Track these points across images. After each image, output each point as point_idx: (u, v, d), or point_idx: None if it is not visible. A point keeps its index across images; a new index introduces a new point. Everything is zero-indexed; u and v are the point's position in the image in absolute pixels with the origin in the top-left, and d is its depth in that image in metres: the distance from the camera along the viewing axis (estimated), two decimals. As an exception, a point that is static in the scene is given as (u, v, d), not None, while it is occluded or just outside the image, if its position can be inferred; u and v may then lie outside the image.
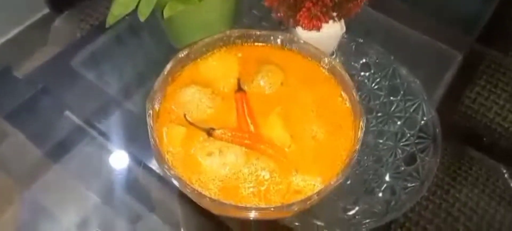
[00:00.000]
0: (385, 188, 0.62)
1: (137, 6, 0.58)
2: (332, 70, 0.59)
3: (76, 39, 0.79)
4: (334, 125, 0.55)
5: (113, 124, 0.69)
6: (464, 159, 0.73)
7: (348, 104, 0.57)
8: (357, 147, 0.52)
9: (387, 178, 0.63)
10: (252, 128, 0.53)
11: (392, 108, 0.69)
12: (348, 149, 0.53)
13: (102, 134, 0.67)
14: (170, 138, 0.53)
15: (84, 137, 0.67)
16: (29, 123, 0.65)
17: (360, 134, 0.53)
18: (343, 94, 0.58)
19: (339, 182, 0.51)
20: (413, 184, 0.61)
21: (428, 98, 0.68)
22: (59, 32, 0.84)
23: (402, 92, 0.70)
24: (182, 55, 0.57)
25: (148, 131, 0.51)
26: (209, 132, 0.52)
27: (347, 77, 0.58)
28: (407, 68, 0.71)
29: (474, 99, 0.78)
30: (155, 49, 0.76)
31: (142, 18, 0.58)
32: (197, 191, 0.50)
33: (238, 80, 0.58)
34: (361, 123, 0.54)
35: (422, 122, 0.67)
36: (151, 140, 0.51)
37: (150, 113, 0.52)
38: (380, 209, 0.59)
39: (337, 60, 0.61)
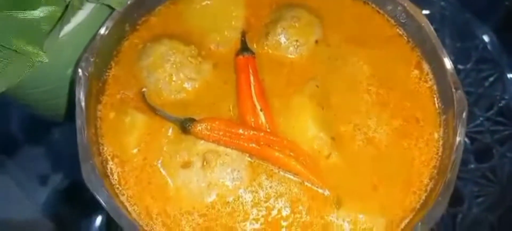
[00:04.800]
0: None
1: None
2: (405, 22, 0.41)
3: None
4: (408, 119, 0.38)
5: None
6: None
7: (431, 82, 0.39)
8: (453, 159, 0.33)
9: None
10: (263, 119, 0.37)
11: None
12: (432, 164, 0.36)
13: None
14: (119, 132, 0.37)
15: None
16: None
17: (459, 137, 0.34)
18: (424, 64, 0.40)
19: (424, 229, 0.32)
20: (489, 189, 0.50)
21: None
22: None
23: (474, 58, 0.58)
24: None
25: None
26: (186, 126, 0.36)
27: (434, 36, 0.38)
28: (484, 25, 0.59)
29: None
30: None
31: None
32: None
33: (243, 33, 0.42)
34: (460, 118, 0.35)
35: (503, 102, 0.56)
36: (79, 133, 0.33)
37: (81, 81, 0.35)
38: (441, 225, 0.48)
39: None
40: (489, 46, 0.59)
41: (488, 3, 0.65)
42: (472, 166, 0.53)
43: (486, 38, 0.59)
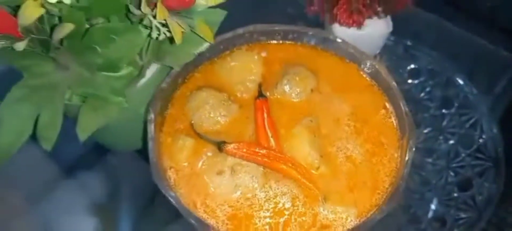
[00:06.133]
0: (432, 217, 0.56)
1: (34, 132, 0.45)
2: (375, 76, 0.52)
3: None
4: (376, 143, 0.48)
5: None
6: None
7: (393, 118, 0.49)
8: (405, 171, 0.44)
9: (435, 205, 0.57)
10: (273, 142, 0.46)
11: (444, 123, 0.63)
12: (392, 175, 0.46)
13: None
14: (174, 150, 0.47)
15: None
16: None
17: (408, 156, 0.45)
18: (388, 105, 0.50)
19: (379, 217, 0.42)
20: (468, 215, 0.55)
21: (488, 113, 0.62)
22: None
23: (456, 104, 0.64)
24: (196, 52, 0.50)
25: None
26: (220, 146, 0.46)
27: (393, 84, 0.49)
28: (464, 77, 0.65)
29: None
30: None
31: (47, 146, 0.44)
32: (201, 218, 0.42)
33: (260, 84, 0.51)
34: (410, 142, 0.45)
35: (481, 141, 0.61)
36: (151, 152, 0.44)
37: (151, 119, 0.46)
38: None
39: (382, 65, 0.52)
40: (469, 95, 0.64)
41: (469, 60, 0.70)
42: (455, 194, 0.57)
43: (466, 88, 0.65)
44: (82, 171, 0.63)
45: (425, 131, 0.63)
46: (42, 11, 0.37)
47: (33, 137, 0.46)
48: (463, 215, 0.55)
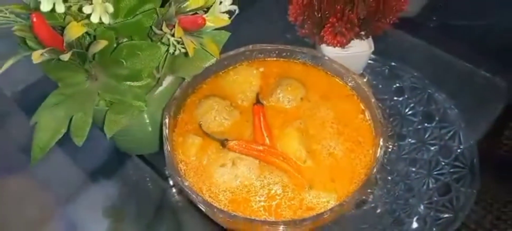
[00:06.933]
0: (415, 219, 0.60)
1: (68, 129, 0.51)
2: (355, 87, 0.58)
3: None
4: (354, 142, 0.54)
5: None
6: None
7: (369, 122, 0.56)
8: (375, 165, 0.50)
9: (418, 208, 0.61)
10: (267, 141, 0.53)
11: (426, 136, 0.68)
12: (367, 167, 0.52)
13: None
14: (185, 147, 0.54)
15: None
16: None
17: (379, 152, 0.51)
18: (366, 111, 0.56)
19: (355, 200, 0.49)
20: (446, 216, 0.59)
21: (467, 127, 0.66)
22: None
23: (437, 118, 0.69)
24: (204, 67, 0.57)
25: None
26: (223, 143, 0.52)
27: (370, 94, 0.56)
28: (444, 94, 0.69)
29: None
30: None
31: (78, 143, 0.51)
32: (207, 201, 0.49)
33: (258, 94, 0.58)
34: (381, 141, 0.52)
35: (458, 151, 0.65)
36: (165, 148, 0.51)
37: (166, 122, 0.53)
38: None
39: (365, 80, 0.58)
40: (448, 110, 0.68)
41: (448, 79, 0.75)
42: (435, 198, 0.61)
43: (446, 104, 0.69)
44: (103, 176, 0.68)
45: (410, 142, 0.68)
46: (84, 29, 0.46)
47: (61, 145, 0.52)
48: (441, 216, 0.59)
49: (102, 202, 0.64)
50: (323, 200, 0.49)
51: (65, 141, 0.51)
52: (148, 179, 0.66)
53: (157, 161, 0.67)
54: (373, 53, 0.70)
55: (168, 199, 0.66)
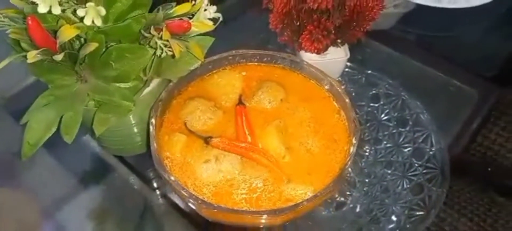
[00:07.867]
0: (391, 217, 0.62)
1: (58, 128, 0.53)
2: (331, 90, 0.62)
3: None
4: (330, 139, 0.57)
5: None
6: (484, 200, 0.69)
7: (344, 121, 0.59)
8: (349, 159, 0.54)
9: (393, 207, 0.63)
10: (249, 138, 0.55)
11: (401, 139, 0.70)
12: (341, 162, 0.55)
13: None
14: (170, 145, 0.56)
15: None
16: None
17: (352, 149, 0.55)
18: (341, 111, 0.60)
19: (329, 192, 0.52)
20: (419, 213, 0.62)
21: (439, 131, 0.69)
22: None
23: (410, 123, 0.71)
24: (189, 70, 0.59)
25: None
26: (207, 140, 0.55)
27: (345, 95, 0.59)
28: (416, 100, 0.72)
29: (493, 140, 0.75)
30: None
31: (68, 140, 0.52)
32: (192, 194, 0.51)
33: (240, 95, 0.61)
34: (354, 139, 0.56)
35: (430, 153, 0.67)
36: (152, 146, 0.54)
37: (152, 122, 0.55)
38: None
39: (343, 87, 0.62)
40: (420, 115, 0.71)
41: (421, 87, 0.77)
42: (409, 198, 0.63)
43: (418, 109, 0.72)
44: (88, 181, 0.69)
45: (386, 147, 0.70)
46: (76, 31, 0.49)
47: (48, 151, 0.52)
48: (415, 214, 0.62)
49: (87, 207, 0.65)
50: (301, 192, 0.52)
51: (52, 146, 0.53)
52: (132, 183, 0.68)
53: (141, 165, 0.70)
54: (351, 62, 0.73)
55: (152, 202, 0.68)
